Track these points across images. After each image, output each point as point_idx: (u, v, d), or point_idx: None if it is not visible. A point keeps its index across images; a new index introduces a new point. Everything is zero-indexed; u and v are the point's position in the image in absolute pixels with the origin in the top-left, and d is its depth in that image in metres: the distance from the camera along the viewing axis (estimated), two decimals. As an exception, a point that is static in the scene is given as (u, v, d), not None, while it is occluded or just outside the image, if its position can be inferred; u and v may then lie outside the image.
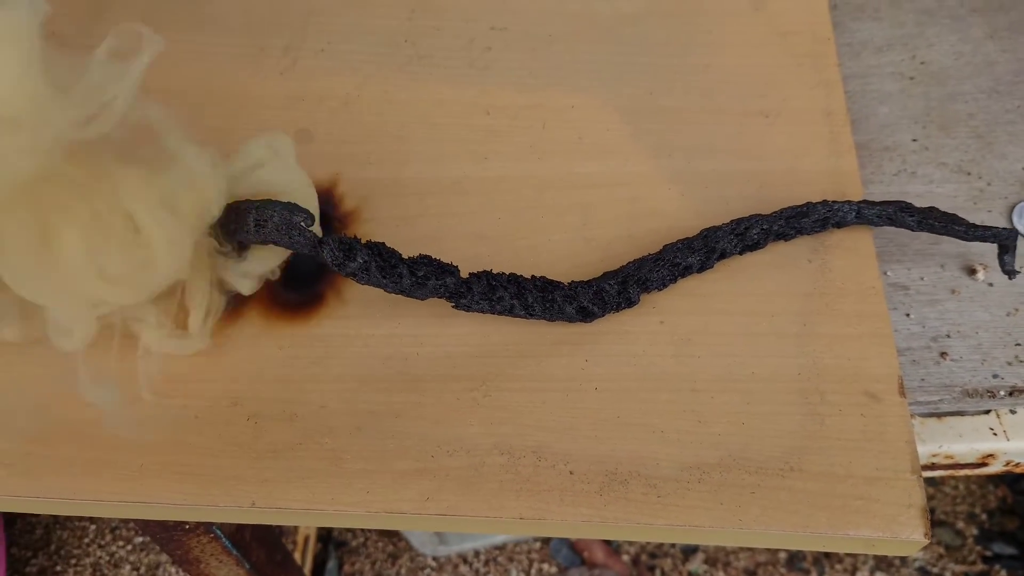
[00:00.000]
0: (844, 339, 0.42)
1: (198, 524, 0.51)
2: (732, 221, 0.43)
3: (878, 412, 0.40)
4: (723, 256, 0.43)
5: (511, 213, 0.47)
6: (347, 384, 0.42)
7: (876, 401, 0.40)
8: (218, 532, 0.52)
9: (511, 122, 0.51)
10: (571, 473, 0.39)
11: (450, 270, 0.40)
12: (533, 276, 0.42)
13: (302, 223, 0.40)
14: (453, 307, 0.41)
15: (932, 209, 0.44)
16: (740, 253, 0.44)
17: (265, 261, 0.44)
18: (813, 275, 0.44)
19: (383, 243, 0.40)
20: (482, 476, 0.39)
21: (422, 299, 0.41)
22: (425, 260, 0.40)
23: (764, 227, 0.43)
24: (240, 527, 0.56)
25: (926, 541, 0.37)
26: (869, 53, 0.57)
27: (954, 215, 0.44)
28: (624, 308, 0.42)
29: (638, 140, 0.50)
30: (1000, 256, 0.43)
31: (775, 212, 0.44)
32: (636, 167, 0.49)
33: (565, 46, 0.54)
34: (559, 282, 0.42)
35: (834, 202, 0.44)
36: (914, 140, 0.53)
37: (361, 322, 0.44)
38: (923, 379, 0.44)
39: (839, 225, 0.44)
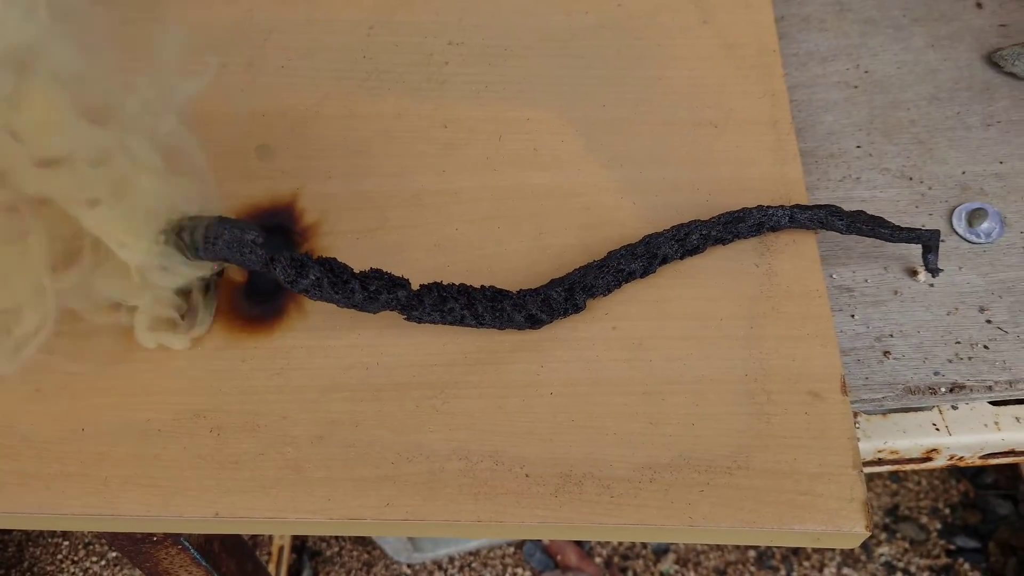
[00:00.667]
0: (789, 340, 0.43)
1: (166, 536, 0.52)
2: (672, 228, 0.45)
3: (821, 410, 0.41)
4: (664, 261, 0.45)
5: (469, 224, 0.49)
6: (309, 394, 0.43)
7: (819, 400, 0.42)
8: (186, 543, 0.53)
9: (468, 135, 0.52)
10: (527, 476, 0.40)
11: (401, 283, 0.41)
12: (483, 286, 0.43)
13: (253, 241, 0.40)
14: (405, 319, 0.42)
15: (860, 213, 0.46)
16: (681, 258, 0.45)
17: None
18: (760, 279, 0.46)
19: (334, 258, 0.41)
20: (441, 481, 0.40)
21: (374, 312, 0.42)
22: (376, 274, 0.41)
23: (703, 232, 0.45)
24: (209, 538, 0.57)
25: (867, 533, 0.38)
26: (815, 63, 0.59)
27: (881, 218, 0.45)
28: (571, 314, 0.44)
29: (591, 151, 0.51)
30: (924, 255, 0.45)
31: (714, 218, 0.45)
32: (589, 177, 0.50)
33: (521, 60, 0.55)
34: (508, 291, 0.43)
35: (768, 207, 0.46)
36: (858, 147, 0.55)
37: (323, 333, 0.45)
38: (867, 378, 0.46)
39: (774, 229, 0.46)
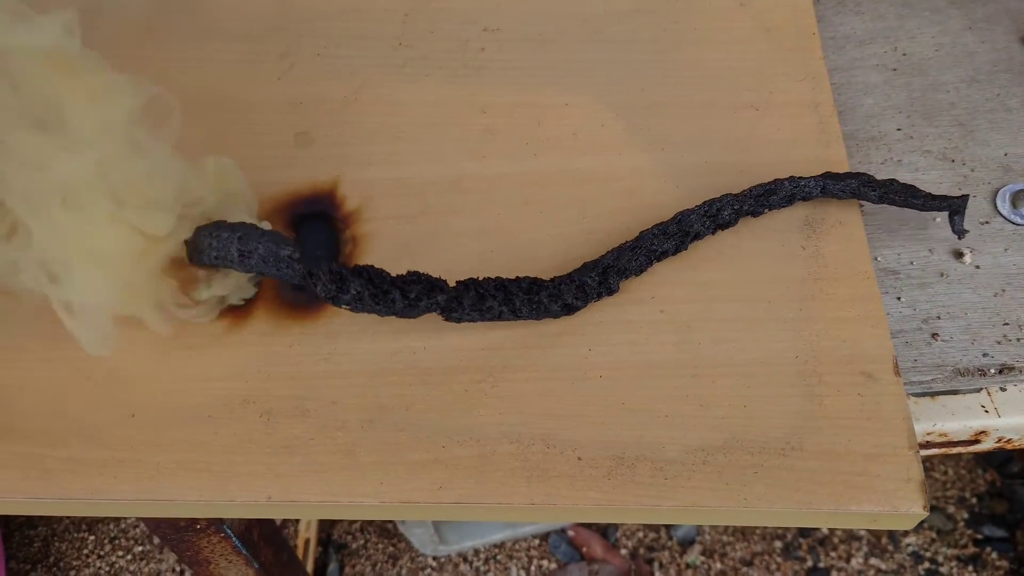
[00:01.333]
0: (839, 322, 0.43)
1: (209, 524, 0.52)
2: (704, 203, 0.45)
3: (875, 391, 0.41)
4: (697, 237, 0.45)
5: (511, 209, 0.48)
6: (357, 379, 0.43)
7: (872, 381, 0.41)
8: (229, 532, 0.53)
9: (507, 120, 0.52)
10: (579, 459, 0.40)
11: (439, 286, 0.41)
12: (518, 277, 0.43)
13: (289, 256, 0.40)
14: (444, 319, 0.42)
15: (892, 181, 0.46)
16: (713, 233, 0.45)
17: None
18: (807, 261, 0.45)
19: (371, 266, 0.41)
20: (493, 464, 0.40)
21: (414, 318, 0.42)
22: (414, 277, 0.41)
23: (735, 207, 0.45)
24: (249, 527, 0.57)
25: (925, 513, 0.38)
26: (852, 46, 0.59)
27: (913, 187, 0.45)
28: (604, 296, 0.43)
29: (632, 135, 0.51)
30: (951, 218, 0.46)
31: (745, 191, 0.45)
32: (631, 161, 0.50)
33: (557, 45, 0.55)
34: (543, 281, 0.43)
35: (800, 178, 0.45)
36: (899, 129, 0.54)
37: (368, 318, 0.45)
38: (915, 360, 0.46)
39: (806, 199, 0.45)
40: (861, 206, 0.47)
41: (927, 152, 0.53)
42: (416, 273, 0.41)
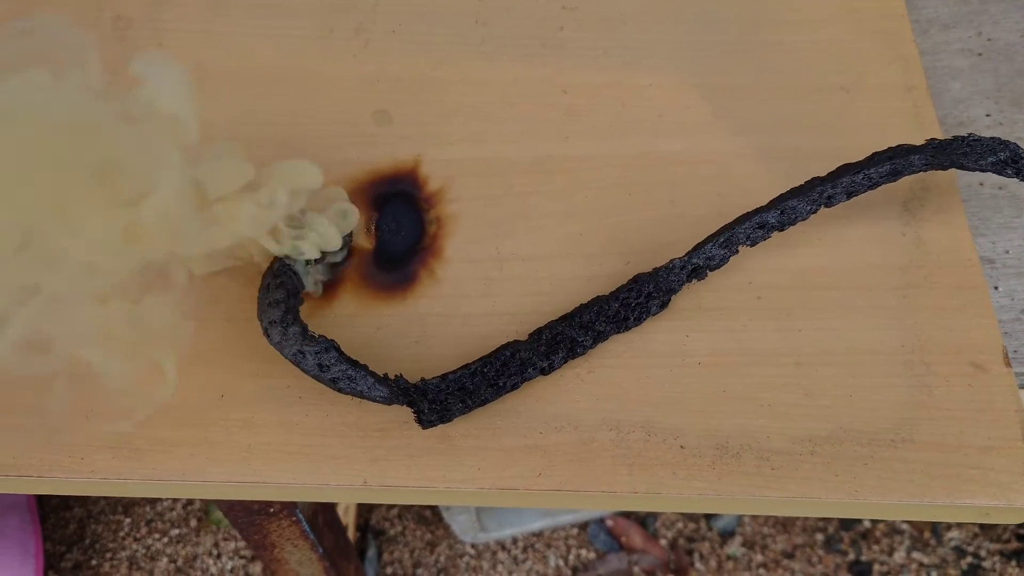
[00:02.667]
0: (945, 311, 0.42)
1: (282, 508, 0.51)
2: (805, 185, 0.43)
3: (985, 382, 0.40)
4: (793, 223, 0.43)
5: (598, 191, 0.47)
6: (449, 362, 0.42)
7: (982, 371, 0.40)
8: (300, 516, 0.52)
9: (589, 101, 0.51)
10: (682, 447, 0.39)
11: (532, 365, 0.40)
12: (600, 309, 0.41)
13: (377, 388, 0.38)
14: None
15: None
16: (815, 212, 0.43)
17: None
18: (908, 248, 0.44)
19: (458, 374, 0.39)
20: (592, 451, 0.39)
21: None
22: (501, 368, 0.39)
23: (834, 188, 0.42)
24: (315, 513, 0.56)
25: (1041, 508, 0.37)
26: (936, 30, 0.57)
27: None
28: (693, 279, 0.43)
29: (719, 118, 0.50)
30: None
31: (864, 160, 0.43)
32: (720, 145, 0.49)
33: (638, 25, 0.54)
34: (629, 302, 0.41)
35: (898, 147, 0.43)
36: (988, 115, 0.53)
37: (457, 301, 0.44)
38: (1016, 351, 0.45)
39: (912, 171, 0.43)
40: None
41: (1019, 139, 0.52)
42: (492, 360, 0.40)
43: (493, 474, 0.39)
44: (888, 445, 0.39)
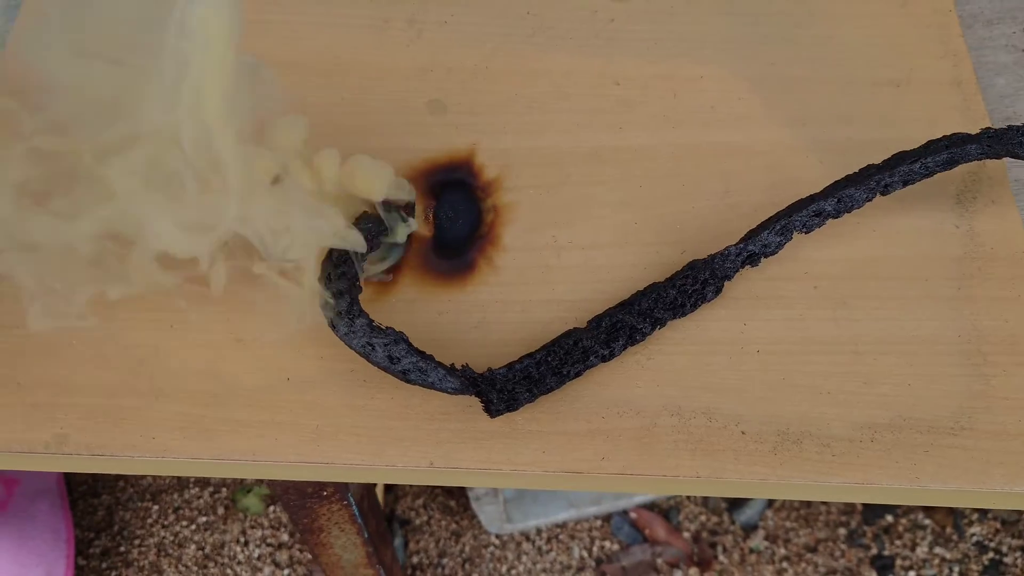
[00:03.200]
0: (1000, 302, 0.43)
1: (335, 491, 0.52)
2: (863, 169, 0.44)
3: (1042, 372, 0.40)
4: (850, 210, 0.43)
5: (652, 181, 0.48)
6: (510, 348, 0.42)
7: (1039, 361, 0.41)
8: (351, 500, 0.53)
9: (642, 92, 0.51)
10: (743, 433, 0.40)
11: (593, 352, 0.40)
12: (657, 296, 0.42)
13: (448, 380, 0.39)
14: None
15: None
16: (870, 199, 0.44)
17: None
18: (962, 240, 0.45)
19: (524, 363, 0.39)
20: (654, 436, 0.40)
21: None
22: (565, 357, 0.40)
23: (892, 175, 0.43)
24: (361, 498, 0.57)
25: (1100, 496, 0.38)
26: (980, 26, 0.58)
27: None
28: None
29: (771, 109, 0.50)
30: None
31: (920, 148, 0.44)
32: (772, 136, 0.49)
33: (687, 18, 0.54)
34: (685, 288, 0.42)
35: (955, 135, 0.43)
36: (1034, 111, 0.53)
37: (516, 288, 0.44)
38: (1066, 343, 0.45)
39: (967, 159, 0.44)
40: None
41: (1066, 134, 0.52)
42: (555, 348, 0.40)
43: (558, 457, 0.39)
44: (948, 433, 0.39)
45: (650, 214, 0.47)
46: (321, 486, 0.51)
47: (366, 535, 0.58)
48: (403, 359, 0.38)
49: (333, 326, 0.39)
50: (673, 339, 0.42)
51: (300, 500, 0.52)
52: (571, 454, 0.39)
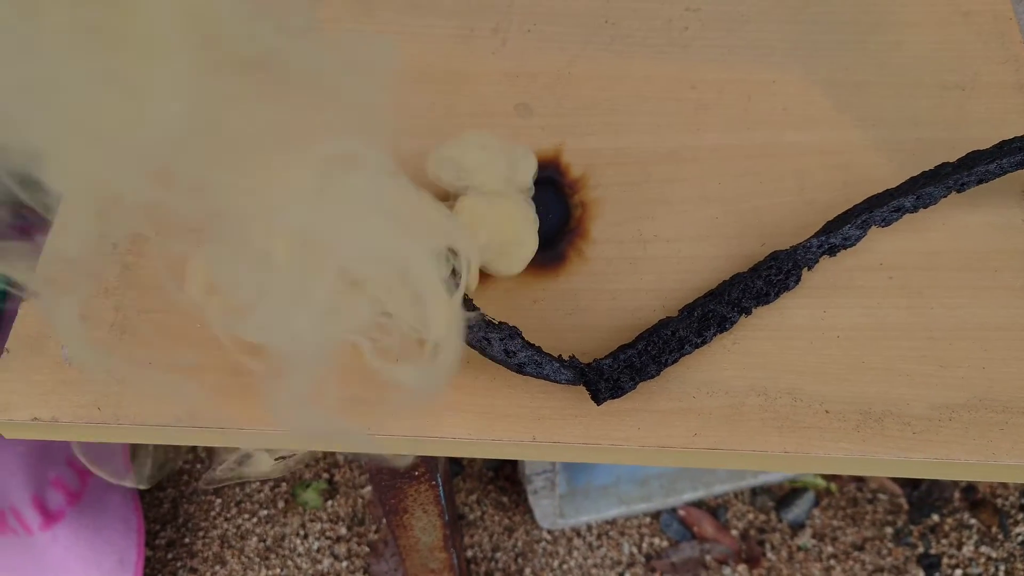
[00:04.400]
0: (1069, 291, 0.45)
1: (426, 471, 0.55)
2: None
3: (1111, 357, 0.43)
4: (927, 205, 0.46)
5: (730, 178, 0.51)
6: (602, 333, 0.45)
7: (1108, 347, 0.43)
8: (439, 481, 0.56)
9: (717, 96, 0.54)
10: (827, 412, 0.42)
11: (688, 340, 0.43)
12: (745, 285, 0.44)
13: (562, 372, 0.41)
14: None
15: None
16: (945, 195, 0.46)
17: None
18: (1029, 234, 0.47)
19: (628, 353, 0.42)
20: (743, 415, 0.43)
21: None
22: (660, 346, 0.43)
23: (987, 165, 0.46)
24: (446, 482, 0.60)
25: None
26: (1038, 32, 0.60)
27: None
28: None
29: (841, 112, 0.53)
30: None
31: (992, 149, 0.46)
32: (844, 136, 0.52)
33: (758, 25, 0.57)
34: (772, 279, 0.45)
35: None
36: (1093, 113, 0.56)
37: (606, 278, 0.47)
38: None
39: None
40: (1078, 183, 0.49)
41: (1124, 135, 0.54)
42: (654, 338, 0.43)
43: (652, 433, 0.42)
44: (1021, 412, 0.42)
45: (730, 209, 0.49)
46: (413, 466, 0.54)
47: (447, 518, 0.61)
48: (519, 352, 0.41)
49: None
50: (757, 325, 0.45)
51: (391, 480, 0.55)
52: (664, 430, 0.42)
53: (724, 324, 0.44)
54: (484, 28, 0.58)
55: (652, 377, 0.42)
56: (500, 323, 0.41)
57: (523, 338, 0.41)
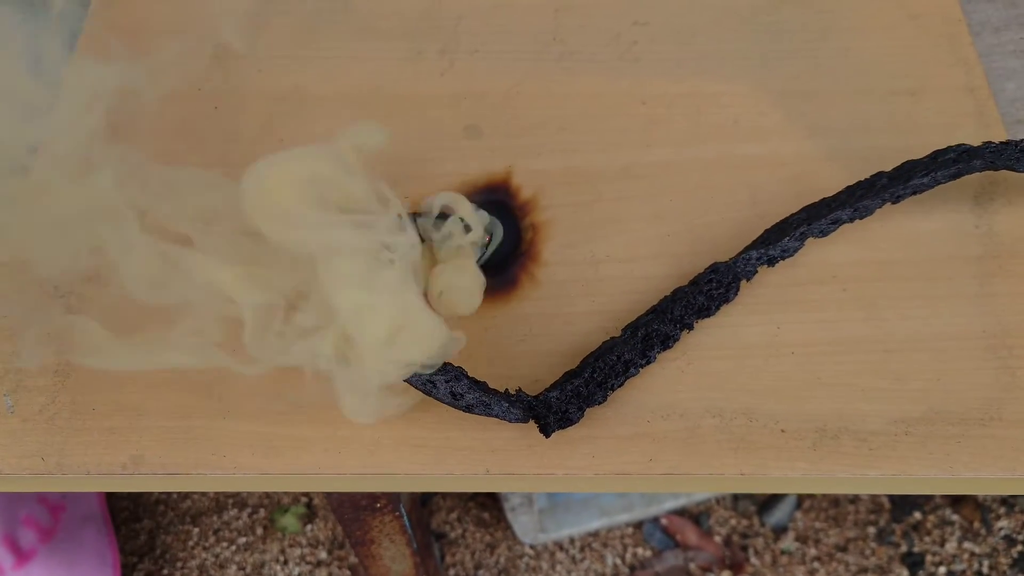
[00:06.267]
0: (1022, 297, 0.44)
1: (388, 503, 0.54)
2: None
3: (1066, 363, 0.42)
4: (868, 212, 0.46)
5: (682, 194, 0.50)
6: (555, 358, 0.45)
7: (1063, 353, 0.43)
8: (403, 511, 0.55)
9: (667, 110, 0.53)
10: (783, 431, 0.42)
11: (633, 363, 0.42)
12: (686, 301, 0.44)
13: (511, 412, 0.41)
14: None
15: None
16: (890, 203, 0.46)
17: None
18: (981, 239, 0.47)
19: (575, 384, 0.41)
20: (698, 437, 0.42)
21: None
22: (605, 373, 0.42)
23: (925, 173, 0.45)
24: (411, 511, 0.59)
25: None
26: (988, 33, 0.60)
27: None
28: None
29: (792, 122, 0.52)
30: None
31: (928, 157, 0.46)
32: (795, 147, 0.51)
33: (708, 37, 0.57)
34: (711, 292, 0.44)
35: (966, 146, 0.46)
36: (1045, 112, 0.56)
37: (558, 301, 0.47)
38: (1088, 334, 0.47)
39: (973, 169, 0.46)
40: (1029, 186, 0.48)
41: (1076, 134, 0.54)
42: (600, 364, 0.42)
43: (607, 461, 0.42)
44: (978, 424, 0.41)
45: (681, 226, 0.49)
46: (375, 498, 0.53)
47: (415, 546, 0.60)
48: (466, 395, 0.40)
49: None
50: (711, 344, 0.45)
51: (354, 513, 0.54)
52: (620, 457, 0.42)
53: (668, 342, 0.43)
54: (431, 50, 0.57)
55: (599, 403, 0.42)
56: (445, 364, 0.40)
57: (469, 378, 0.40)
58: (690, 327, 0.44)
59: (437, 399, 0.40)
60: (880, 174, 0.47)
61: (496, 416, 0.40)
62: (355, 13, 0.58)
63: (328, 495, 0.53)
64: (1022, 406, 0.41)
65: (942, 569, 1.02)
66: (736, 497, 1.08)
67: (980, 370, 0.43)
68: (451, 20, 0.58)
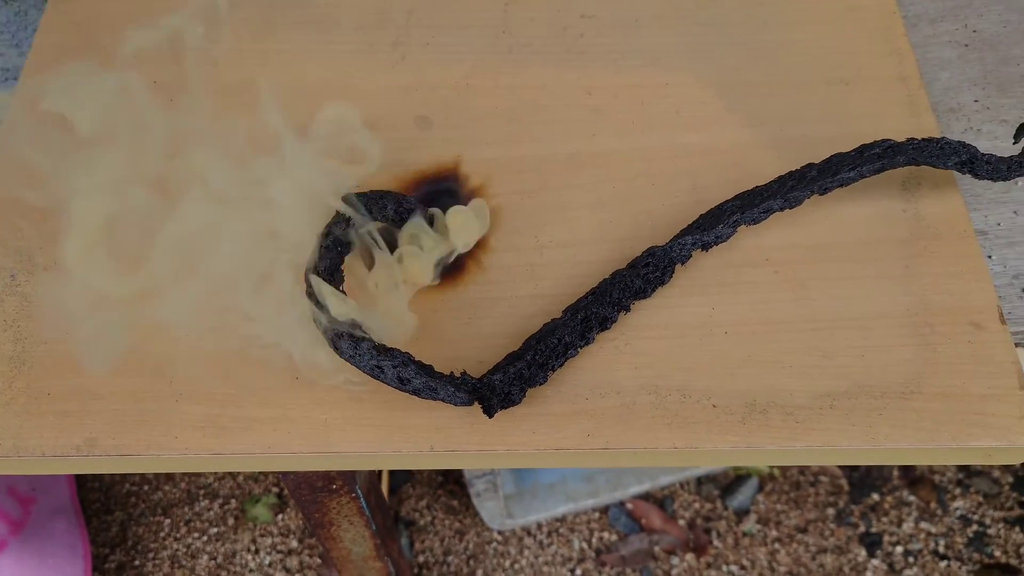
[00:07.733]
0: (945, 277, 0.47)
1: (344, 484, 0.55)
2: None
3: (983, 339, 0.44)
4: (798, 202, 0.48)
5: (625, 182, 0.52)
6: (499, 340, 0.46)
7: (980, 329, 0.45)
8: (359, 493, 0.56)
9: (612, 101, 0.55)
10: (714, 407, 0.44)
11: (572, 345, 0.44)
12: (623, 286, 0.46)
13: (458, 395, 0.43)
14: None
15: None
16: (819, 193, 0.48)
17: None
18: (909, 223, 0.49)
19: (518, 366, 0.43)
20: (634, 413, 0.44)
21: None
22: (547, 354, 0.44)
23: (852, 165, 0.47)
24: (368, 493, 0.60)
25: (1038, 447, 0.42)
26: (925, 24, 0.62)
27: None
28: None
29: (732, 112, 0.54)
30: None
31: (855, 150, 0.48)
32: (734, 136, 0.53)
33: (652, 29, 0.58)
34: (646, 288, 0.46)
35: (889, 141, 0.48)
36: (976, 101, 0.58)
37: (503, 286, 0.48)
38: (1009, 312, 0.49)
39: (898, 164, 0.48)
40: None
41: (1004, 121, 0.57)
42: (541, 346, 0.44)
43: (547, 437, 0.43)
44: (899, 397, 0.43)
45: (624, 212, 0.51)
46: (330, 479, 0.55)
47: (374, 527, 0.61)
48: (413, 380, 0.42)
49: (336, 348, 0.42)
50: (648, 325, 0.46)
51: (311, 495, 0.55)
52: (559, 433, 0.43)
53: (606, 324, 0.45)
54: (383, 43, 0.58)
55: (540, 384, 0.43)
56: (391, 349, 0.42)
57: (416, 363, 0.42)
58: (627, 309, 0.46)
59: (385, 383, 0.42)
60: (810, 165, 0.49)
61: (442, 400, 0.42)
62: (309, 7, 0.60)
63: (284, 477, 0.55)
64: (941, 380, 0.43)
65: (899, 548, 1.05)
66: (700, 481, 1.10)
67: (902, 347, 0.45)
68: (403, 13, 0.60)
